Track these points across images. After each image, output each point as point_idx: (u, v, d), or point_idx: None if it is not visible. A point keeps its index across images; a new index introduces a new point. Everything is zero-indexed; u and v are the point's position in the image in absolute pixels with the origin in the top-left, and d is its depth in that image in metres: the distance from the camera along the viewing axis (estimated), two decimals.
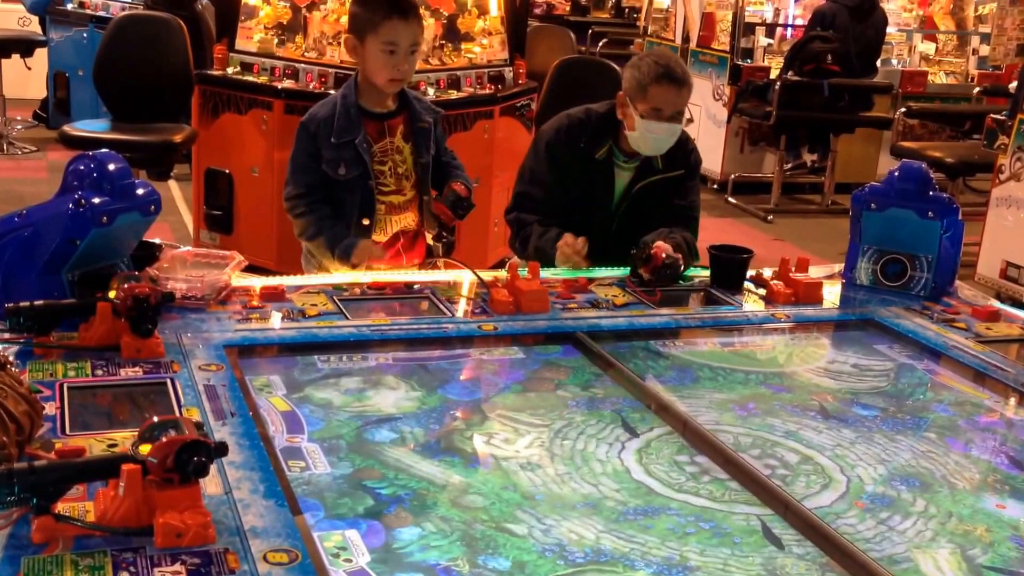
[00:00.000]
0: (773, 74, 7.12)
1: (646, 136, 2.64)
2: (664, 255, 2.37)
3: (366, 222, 2.65)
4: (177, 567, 1.24)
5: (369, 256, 2.53)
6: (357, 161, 2.60)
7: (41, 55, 7.48)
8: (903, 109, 6.71)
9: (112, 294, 1.79)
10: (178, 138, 4.70)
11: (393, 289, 2.32)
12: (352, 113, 2.61)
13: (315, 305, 2.16)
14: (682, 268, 2.41)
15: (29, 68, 7.55)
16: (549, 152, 2.71)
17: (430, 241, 2.76)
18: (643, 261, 2.39)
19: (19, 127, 7.64)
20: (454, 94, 4.57)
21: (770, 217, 6.78)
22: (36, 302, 1.77)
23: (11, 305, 1.76)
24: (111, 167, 1.89)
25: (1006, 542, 1.57)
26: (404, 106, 2.71)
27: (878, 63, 7.36)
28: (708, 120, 7.47)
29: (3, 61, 7.25)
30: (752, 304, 2.42)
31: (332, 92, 4.44)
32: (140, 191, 1.93)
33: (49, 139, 7.10)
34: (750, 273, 2.53)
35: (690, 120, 2.78)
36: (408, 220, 2.75)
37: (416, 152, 2.69)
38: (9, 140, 7.25)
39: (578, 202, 2.70)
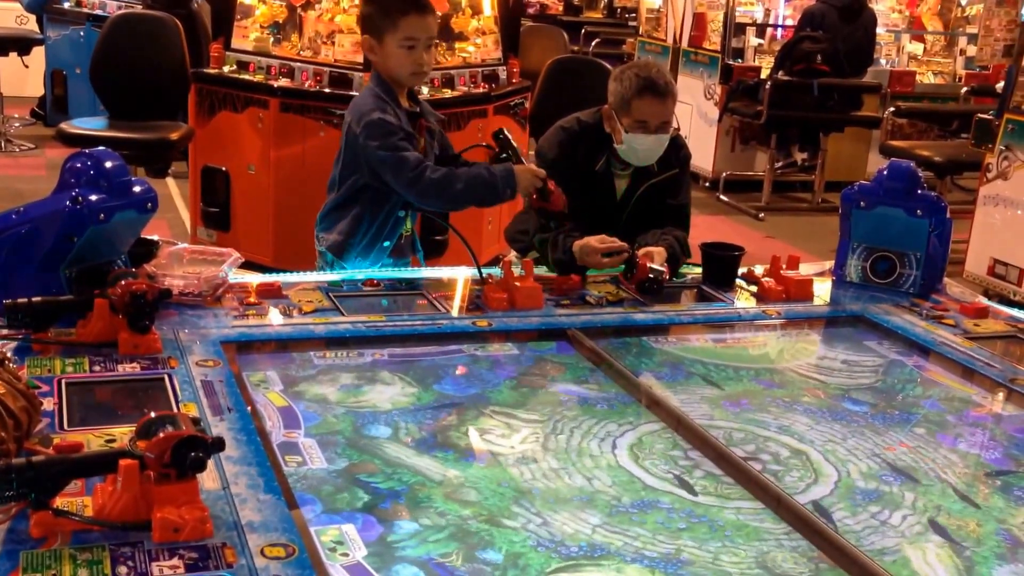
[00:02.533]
0: (764, 74, 7.15)
1: (634, 149, 2.65)
2: (648, 268, 2.37)
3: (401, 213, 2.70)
4: (175, 561, 1.25)
5: (530, 181, 2.47)
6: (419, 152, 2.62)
7: (38, 53, 7.49)
8: (892, 108, 6.75)
9: (109, 291, 1.80)
10: (175, 136, 4.70)
11: (389, 286, 2.34)
12: (400, 109, 2.63)
13: (311, 302, 2.17)
14: (667, 279, 2.41)
15: (27, 66, 7.56)
16: (556, 168, 2.72)
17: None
18: (629, 271, 2.40)
19: (17, 125, 7.65)
20: (448, 93, 4.59)
21: (761, 215, 6.81)
22: (34, 298, 1.78)
23: (9, 301, 1.77)
24: (108, 165, 1.90)
25: (994, 536, 1.59)
26: (420, 107, 2.73)
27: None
28: (699, 119, 7.49)
29: (1, 59, 7.25)
30: (744, 301, 2.45)
31: (327, 90, 4.47)
32: (137, 188, 1.95)
33: (47, 136, 7.12)
34: (742, 270, 2.55)
35: (676, 129, 2.77)
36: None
37: (427, 150, 2.71)
38: (7, 138, 7.26)
39: (582, 212, 2.71)
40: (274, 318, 2.08)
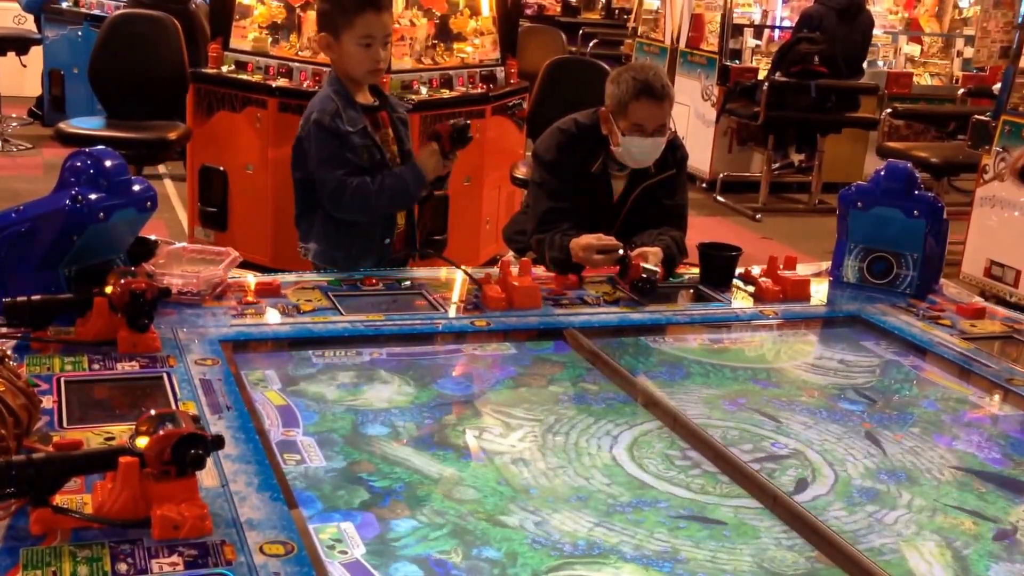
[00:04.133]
0: (761, 75, 7.15)
1: (631, 152, 2.65)
2: (642, 268, 2.38)
3: None
4: (174, 559, 1.25)
5: (432, 160, 2.57)
6: (375, 147, 2.62)
7: (36, 53, 7.50)
8: (889, 110, 6.75)
9: (109, 289, 1.80)
10: (173, 135, 4.71)
11: (387, 285, 2.34)
12: (352, 104, 2.62)
13: (310, 301, 2.17)
14: (661, 279, 2.41)
15: (24, 66, 7.56)
16: (553, 170, 2.73)
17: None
18: (622, 271, 2.41)
19: (15, 124, 7.64)
20: (446, 93, 4.59)
21: (758, 216, 6.82)
22: (33, 297, 1.79)
23: (9, 300, 1.77)
24: (108, 164, 1.90)
25: (989, 534, 1.60)
26: (381, 100, 2.73)
27: (864, 65, 7.40)
28: (697, 120, 7.50)
29: None
30: (741, 301, 2.45)
31: (323, 90, 4.47)
32: (136, 187, 1.95)
33: (44, 136, 7.11)
34: (739, 271, 2.56)
35: (673, 131, 2.76)
36: (401, 217, 2.78)
37: (399, 142, 2.71)
38: (4, 137, 7.25)
39: (580, 213, 2.72)
40: (273, 317, 2.08)
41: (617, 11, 11.78)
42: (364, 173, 2.57)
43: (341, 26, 2.57)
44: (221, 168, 4.62)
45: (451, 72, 4.66)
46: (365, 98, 2.68)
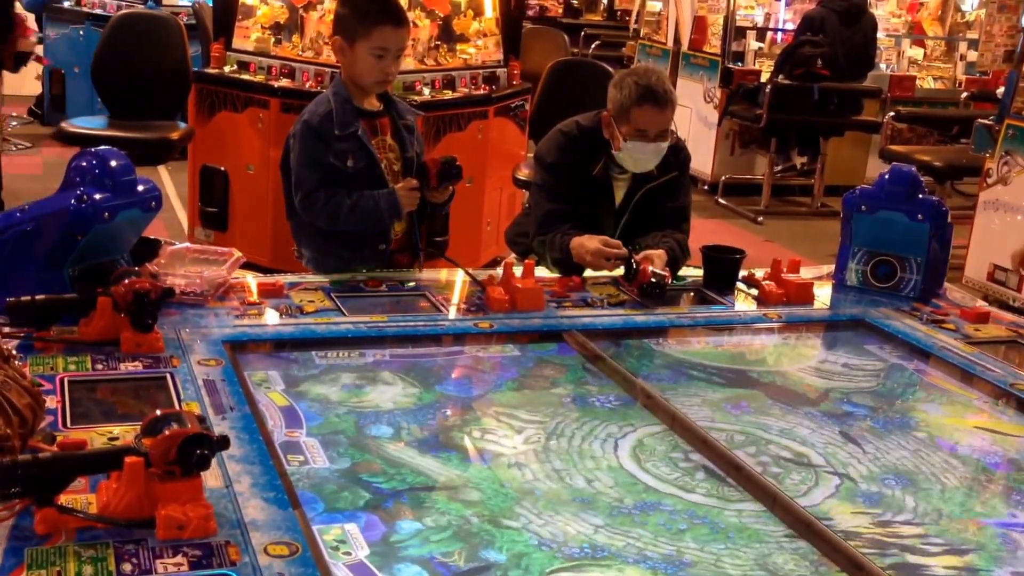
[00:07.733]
0: (764, 77, 7.15)
1: (633, 157, 2.64)
2: (651, 272, 2.38)
3: None
4: (179, 559, 1.25)
5: (410, 197, 2.56)
6: (363, 151, 2.60)
7: (37, 52, 7.48)
8: (892, 113, 6.75)
9: (112, 289, 1.80)
10: (175, 135, 4.71)
11: (390, 287, 2.34)
12: (348, 108, 2.62)
13: (313, 302, 2.17)
14: (668, 282, 2.41)
15: (24, 64, 7.55)
16: (554, 172, 2.72)
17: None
18: (631, 276, 2.41)
19: (14, 123, 7.63)
20: (449, 94, 4.59)
21: (760, 218, 6.82)
22: (37, 296, 1.79)
23: (12, 299, 1.77)
24: (113, 163, 1.90)
25: (994, 539, 1.60)
26: (388, 106, 2.72)
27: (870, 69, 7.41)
28: (699, 122, 7.50)
29: None
30: (744, 304, 2.45)
31: (325, 91, 4.47)
32: (141, 187, 1.95)
33: (44, 135, 7.11)
34: (742, 273, 2.55)
35: (675, 135, 2.75)
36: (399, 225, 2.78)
37: (402, 149, 2.71)
38: (4, 136, 7.24)
39: (581, 215, 2.71)
40: (275, 318, 2.08)
41: (619, 13, 11.80)
42: (344, 178, 2.57)
43: (357, 34, 2.57)
44: (222, 168, 4.62)
45: (454, 73, 4.66)
46: (371, 103, 2.68)
